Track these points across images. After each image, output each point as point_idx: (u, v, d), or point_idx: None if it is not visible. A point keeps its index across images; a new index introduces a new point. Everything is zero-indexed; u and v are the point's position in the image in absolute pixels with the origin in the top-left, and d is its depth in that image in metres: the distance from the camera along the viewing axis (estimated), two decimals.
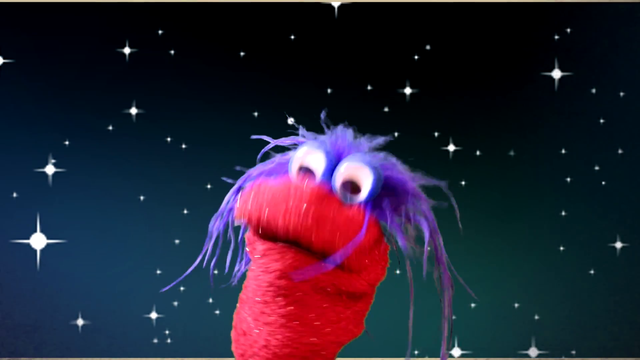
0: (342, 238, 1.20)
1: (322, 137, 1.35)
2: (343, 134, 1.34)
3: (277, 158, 1.40)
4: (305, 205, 1.19)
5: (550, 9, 3.70)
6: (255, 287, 1.24)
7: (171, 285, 1.60)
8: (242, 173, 1.45)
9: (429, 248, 1.30)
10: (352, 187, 1.26)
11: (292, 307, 1.21)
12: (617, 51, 3.71)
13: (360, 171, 1.25)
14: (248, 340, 1.24)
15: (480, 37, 3.71)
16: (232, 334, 1.30)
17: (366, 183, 1.25)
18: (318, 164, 1.27)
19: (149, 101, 3.66)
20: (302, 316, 1.21)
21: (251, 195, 1.26)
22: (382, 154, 1.32)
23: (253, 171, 1.42)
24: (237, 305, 1.30)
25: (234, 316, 1.30)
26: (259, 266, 1.24)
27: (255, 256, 1.25)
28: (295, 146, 1.39)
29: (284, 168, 1.34)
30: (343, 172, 1.25)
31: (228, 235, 1.45)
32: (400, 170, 1.31)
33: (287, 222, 1.19)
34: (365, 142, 1.33)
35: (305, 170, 1.29)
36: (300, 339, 1.21)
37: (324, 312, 1.23)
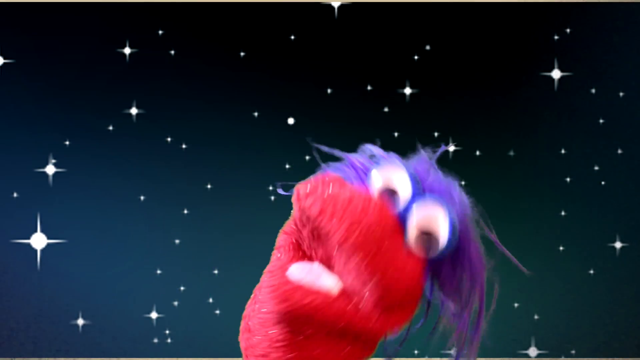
0: (398, 282, 1.08)
1: (409, 161, 1.20)
2: (428, 163, 1.21)
3: (362, 159, 1.21)
4: (374, 226, 1.06)
5: (549, 9, 3.71)
6: (261, 296, 1.11)
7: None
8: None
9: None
10: (421, 239, 1.11)
11: (291, 355, 1.08)
12: (616, 51, 3.72)
13: (440, 223, 1.12)
14: (251, 340, 1.13)
15: (480, 38, 3.72)
16: (242, 322, 1.16)
17: (441, 239, 1.12)
18: (403, 189, 1.13)
19: (149, 101, 3.67)
20: (305, 356, 1.08)
21: (326, 186, 1.09)
22: (465, 199, 1.21)
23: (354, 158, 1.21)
24: (253, 291, 1.17)
25: (248, 303, 1.17)
26: (275, 269, 1.12)
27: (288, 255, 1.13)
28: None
29: (365, 171, 1.18)
30: (420, 221, 1.11)
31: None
32: (472, 229, 1.18)
33: (349, 233, 1.05)
34: (451, 179, 1.21)
35: (387, 190, 1.14)
36: None
37: (328, 351, 1.09)
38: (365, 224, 1.05)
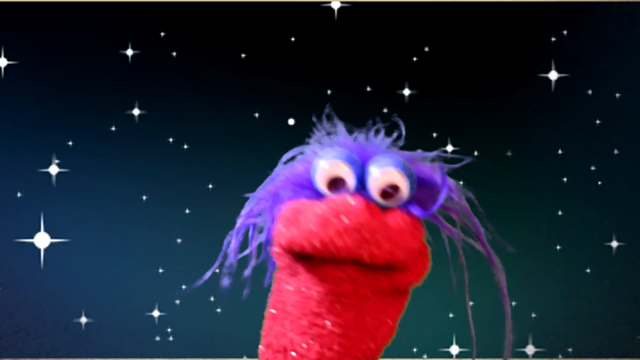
0: (401, 246, 1.14)
1: (330, 143, 1.28)
2: (355, 136, 1.28)
3: (282, 171, 1.30)
4: (359, 220, 1.11)
5: (546, 11, 3.72)
6: (303, 299, 1.14)
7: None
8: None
9: (466, 231, 1.29)
10: (387, 194, 1.18)
11: (352, 314, 1.13)
12: (613, 53, 3.73)
13: (394, 175, 1.18)
14: (289, 357, 1.14)
15: (477, 39, 3.73)
16: (263, 352, 1.18)
17: (402, 185, 1.18)
18: (345, 174, 1.19)
19: (151, 102, 3.68)
20: (360, 322, 1.14)
21: (290, 222, 1.16)
22: (400, 151, 1.28)
23: (262, 191, 1.31)
24: (267, 322, 1.19)
25: (264, 333, 1.19)
26: (309, 278, 1.15)
27: (302, 270, 1.16)
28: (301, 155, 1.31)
29: (300, 179, 1.26)
30: (378, 179, 1.18)
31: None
32: (422, 164, 1.27)
33: (346, 242, 1.10)
34: (380, 141, 1.28)
35: (335, 182, 1.19)
36: (357, 345, 1.14)
37: (377, 314, 1.16)
38: (350, 224, 1.11)
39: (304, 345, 1.12)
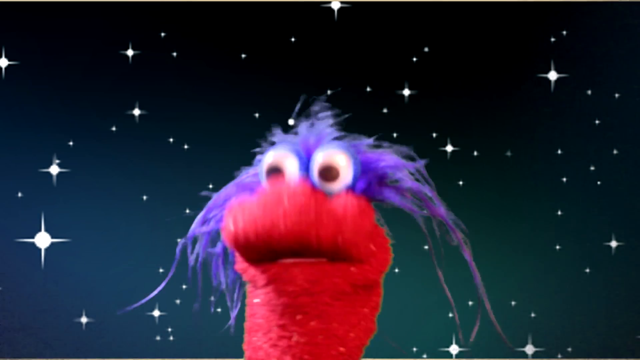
0: (348, 227, 1.13)
1: (282, 139, 1.30)
2: (306, 128, 1.30)
3: (237, 179, 1.33)
4: (301, 201, 1.11)
5: (546, 12, 3.73)
6: (268, 312, 1.16)
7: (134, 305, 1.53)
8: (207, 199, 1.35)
9: (424, 210, 1.28)
10: (330, 176, 1.19)
11: (314, 322, 1.14)
12: (612, 53, 3.74)
13: (335, 157, 1.19)
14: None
15: (477, 40, 3.74)
16: None
17: (345, 167, 1.19)
18: (289, 163, 1.21)
19: (151, 102, 3.68)
20: (325, 329, 1.15)
21: (235, 214, 1.16)
22: (347, 138, 1.29)
23: (216, 198, 1.34)
24: (245, 335, 1.23)
25: (245, 347, 1.22)
26: (269, 292, 1.16)
27: (260, 285, 1.17)
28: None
29: (246, 187, 1.28)
30: (320, 162, 1.19)
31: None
32: (368, 151, 1.27)
33: (290, 224, 1.10)
34: (326, 129, 1.29)
35: (276, 172, 1.21)
36: (327, 352, 1.15)
37: (345, 317, 1.17)
38: (290, 207, 1.11)
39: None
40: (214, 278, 1.39)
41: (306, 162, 1.21)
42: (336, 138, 1.28)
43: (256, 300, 1.19)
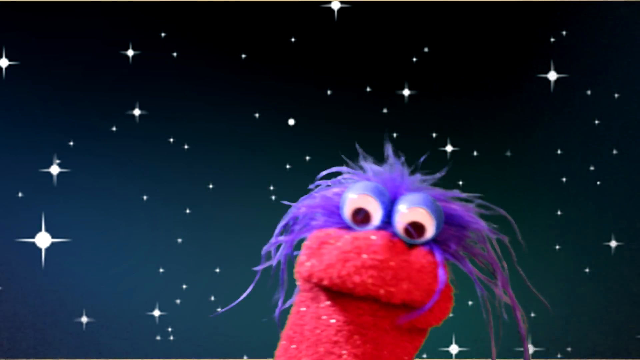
0: (420, 286, 1.15)
1: (370, 172, 1.28)
2: (394, 169, 1.27)
3: (321, 192, 1.30)
4: (380, 257, 1.13)
5: (546, 12, 3.73)
6: (322, 326, 1.15)
7: (225, 309, 1.54)
8: (288, 207, 1.33)
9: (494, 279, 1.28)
10: (413, 232, 1.19)
11: (368, 346, 1.14)
12: (612, 53, 3.74)
13: (420, 213, 1.18)
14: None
15: (477, 40, 3.74)
16: None
17: (428, 224, 1.19)
18: (374, 207, 1.20)
19: (151, 102, 3.69)
20: (376, 355, 1.14)
21: (313, 254, 1.18)
22: (434, 189, 1.28)
23: (299, 208, 1.31)
24: (282, 342, 1.21)
25: (277, 354, 1.20)
26: (330, 306, 1.16)
27: (325, 297, 1.17)
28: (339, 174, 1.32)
29: (331, 205, 1.26)
30: (404, 215, 1.18)
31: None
32: (455, 203, 1.27)
33: (364, 277, 1.12)
34: (415, 177, 1.28)
35: (360, 213, 1.21)
36: None
37: (395, 349, 1.17)
38: (368, 260, 1.12)
39: None
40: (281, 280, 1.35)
41: (389, 208, 1.21)
42: (421, 185, 1.28)
43: (309, 313, 1.19)
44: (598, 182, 3.75)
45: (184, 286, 3.65)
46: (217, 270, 3.66)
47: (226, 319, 3.75)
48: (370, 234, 1.17)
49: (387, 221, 1.20)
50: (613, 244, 3.73)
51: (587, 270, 3.74)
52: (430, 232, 1.19)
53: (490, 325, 1.31)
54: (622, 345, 3.70)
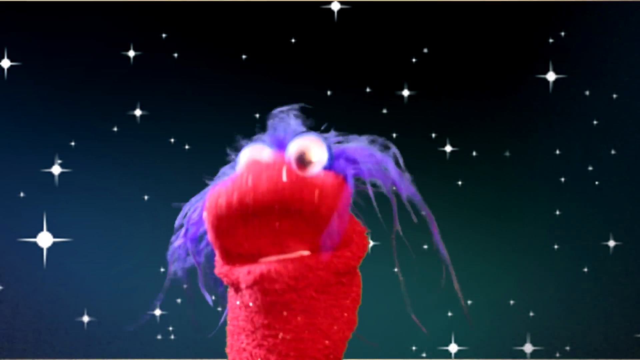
0: (328, 194, 1.15)
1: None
2: (275, 124, 1.31)
3: (204, 190, 1.33)
4: (284, 167, 1.15)
5: (544, 12, 3.74)
6: (252, 313, 1.16)
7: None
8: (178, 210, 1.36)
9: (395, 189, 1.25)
10: (305, 161, 1.19)
11: (300, 317, 1.15)
12: (610, 54, 3.75)
13: (309, 144, 1.20)
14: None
15: (476, 41, 3.75)
16: None
17: (319, 152, 1.20)
18: (266, 153, 1.24)
19: (152, 103, 3.70)
20: (310, 323, 1.16)
21: (216, 190, 1.18)
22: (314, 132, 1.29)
23: (191, 205, 1.35)
24: (228, 339, 1.22)
25: (228, 350, 1.22)
26: (254, 292, 1.16)
27: (245, 286, 1.17)
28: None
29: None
30: (294, 151, 1.20)
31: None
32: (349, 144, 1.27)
33: (273, 185, 1.12)
34: (295, 124, 1.30)
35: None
36: (313, 346, 1.16)
37: (329, 311, 1.18)
38: (274, 173, 1.14)
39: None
40: (202, 288, 1.37)
41: (278, 147, 1.24)
42: (304, 132, 1.28)
43: (238, 303, 1.20)
44: (596, 182, 3.76)
45: (185, 286, 3.66)
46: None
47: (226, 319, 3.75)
48: (268, 159, 1.19)
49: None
50: (611, 243, 3.74)
51: (585, 269, 3.75)
52: (321, 157, 1.20)
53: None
54: (621, 344, 3.71)
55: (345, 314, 1.20)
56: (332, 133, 1.30)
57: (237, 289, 1.20)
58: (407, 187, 1.24)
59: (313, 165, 1.19)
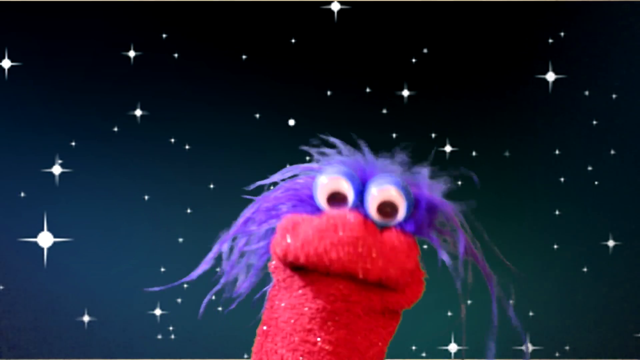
0: (395, 264, 1.17)
1: (337, 160, 1.30)
2: (362, 154, 1.31)
3: (285, 184, 1.34)
4: (355, 235, 1.15)
5: (544, 12, 3.75)
6: (296, 315, 1.17)
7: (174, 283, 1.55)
8: (250, 201, 1.36)
9: (465, 257, 1.30)
10: (385, 212, 1.21)
11: (342, 331, 1.16)
12: (609, 54, 3.76)
13: (391, 193, 1.21)
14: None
15: (476, 41, 3.75)
16: None
17: (399, 203, 1.21)
18: (345, 189, 1.23)
19: (153, 103, 3.70)
20: (350, 340, 1.17)
21: (292, 232, 1.20)
22: (405, 170, 1.31)
23: (263, 201, 1.34)
24: (257, 338, 1.24)
25: (255, 350, 1.23)
26: (305, 293, 1.18)
27: (297, 286, 1.19)
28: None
29: (296, 195, 1.29)
30: (375, 196, 1.21)
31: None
32: (425, 184, 1.29)
33: (341, 254, 1.14)
34: (384, 160, 1.30)
35: (334, 197, 1.23)
36: None
37: (369, 334, 1.19)
38: (345, 237, 1.15)
39: None
40: (226, 274, 1.40)
41: (360, 190, 1.24)
42: (392, 169, 1.30)
43: (283, 304, 1.21)
44: (596, 182, 3.77)
45: (185, 285, 3.66)
46: (218, 269, 3.67)
47: (227, 318, 3.76)
48: (345, 212, 1.19)
49: (359, 204, 1.23)
50: (611, 243, 3.74)
51: (585, 269, 3.75)
52: (401, 212, 1.22)
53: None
54: (620, 343, 3.71)
55: (380, 344, 1.22)
56: (416, 173, 1.31)
57: (288, 288, 1.21)
58: (474, 252, 1.34)
59: (391, 219, 1.22)
